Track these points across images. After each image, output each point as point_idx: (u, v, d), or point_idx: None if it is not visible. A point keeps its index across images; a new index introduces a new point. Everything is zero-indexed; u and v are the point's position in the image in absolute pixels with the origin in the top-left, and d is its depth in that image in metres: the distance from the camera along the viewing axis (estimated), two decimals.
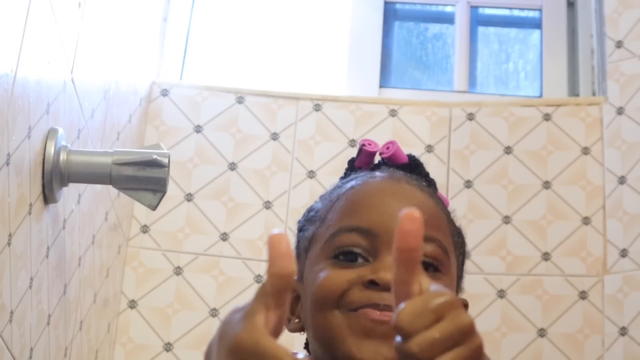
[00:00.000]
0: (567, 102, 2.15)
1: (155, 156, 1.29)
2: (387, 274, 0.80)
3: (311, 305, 0.85)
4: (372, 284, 0.82)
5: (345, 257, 0.84)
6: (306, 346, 0.94)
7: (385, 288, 0.80)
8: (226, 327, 0.66)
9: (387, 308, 0.80)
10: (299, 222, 0.96)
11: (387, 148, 0.95)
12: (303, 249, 0.91)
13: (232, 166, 2.11)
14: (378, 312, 0.81)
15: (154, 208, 1.31)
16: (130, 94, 1.94)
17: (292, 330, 0.90)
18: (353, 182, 0.91)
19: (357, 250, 0.84)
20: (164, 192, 1.30)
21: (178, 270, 2.03)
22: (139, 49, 2.00)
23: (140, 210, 2.04)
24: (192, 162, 2.11)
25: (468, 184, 2.09)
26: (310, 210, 0.95)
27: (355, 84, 2.34)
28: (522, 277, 2.00)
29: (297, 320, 0.90)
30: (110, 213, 1.79)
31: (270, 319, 0.63)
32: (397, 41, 2.48)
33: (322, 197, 0.95)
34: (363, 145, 0.95)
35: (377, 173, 0.93)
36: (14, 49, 1.08)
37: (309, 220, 0.93)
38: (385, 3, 2.46)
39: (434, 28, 2.54)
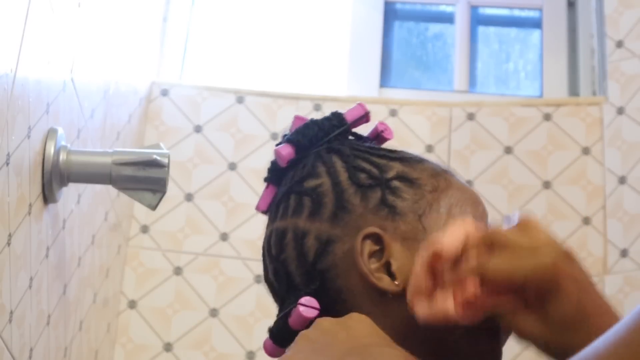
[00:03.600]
0: (568, 102, 2.15)
1: (155, 156, 1.29)
2: None
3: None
4: None
5: None
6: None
7: None
8: None
9: None
10: (390, 175, 0.90)
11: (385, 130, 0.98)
12: (411, 209, 0.88)
13: (232, 166, 2.11)
14: None
15: (153, 208, 1.31)
16: (130, 93, 1.94)
17: (388, 293, 0.80)
18: (448, 174, 0.96)
19: None
20: (163, 192, 1.30)
21: (178, 271, 2.02)
22: (138, 49, 2.00)
23: (140, 210, 2.04)
24: (192, 162, 2.11)
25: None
26: (392, 170, 0.91)
27: (355, 83, 2.34)
28: None
29: (396, 282, 0.80)
30: (110, 213, 1.79)
31: None
32: (397, 41, 2.47)
33: (414, 165, 0.93)
34: (384, 130, 0.97)
35: (455, 173, 0.99)
36: (14, 49, 1.08)
37: (408, 182, 0.90)
38: (385, 3, 2.46)
39: (434, 28, 2.54)
